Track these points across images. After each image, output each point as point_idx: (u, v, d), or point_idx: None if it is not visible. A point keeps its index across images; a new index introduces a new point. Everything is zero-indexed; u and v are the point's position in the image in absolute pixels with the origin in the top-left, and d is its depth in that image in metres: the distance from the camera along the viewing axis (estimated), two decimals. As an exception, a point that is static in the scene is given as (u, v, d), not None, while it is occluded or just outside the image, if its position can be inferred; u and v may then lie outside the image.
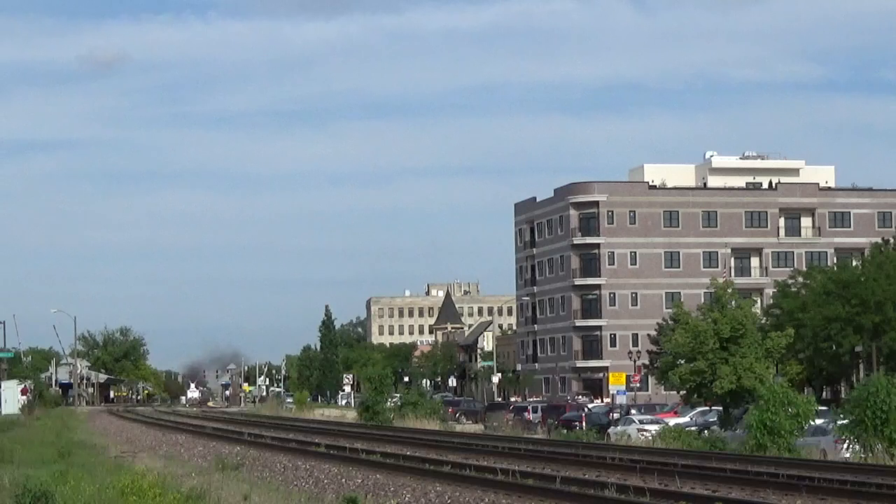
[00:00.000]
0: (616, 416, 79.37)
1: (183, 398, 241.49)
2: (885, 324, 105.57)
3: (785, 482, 33.52)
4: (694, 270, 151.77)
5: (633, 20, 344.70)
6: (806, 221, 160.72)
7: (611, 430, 71.81)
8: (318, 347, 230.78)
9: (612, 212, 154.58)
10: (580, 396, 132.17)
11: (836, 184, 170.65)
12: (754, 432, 51.89)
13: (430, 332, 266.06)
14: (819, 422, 54.48)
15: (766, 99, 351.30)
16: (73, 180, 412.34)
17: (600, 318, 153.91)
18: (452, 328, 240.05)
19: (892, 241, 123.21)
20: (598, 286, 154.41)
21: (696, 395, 66.29)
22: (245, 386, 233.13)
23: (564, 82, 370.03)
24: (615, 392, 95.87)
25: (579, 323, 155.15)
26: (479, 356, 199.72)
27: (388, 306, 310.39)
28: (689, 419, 75.19)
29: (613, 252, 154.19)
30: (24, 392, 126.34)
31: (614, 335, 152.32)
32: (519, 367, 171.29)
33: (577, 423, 78.07)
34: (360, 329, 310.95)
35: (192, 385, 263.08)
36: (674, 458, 42.92)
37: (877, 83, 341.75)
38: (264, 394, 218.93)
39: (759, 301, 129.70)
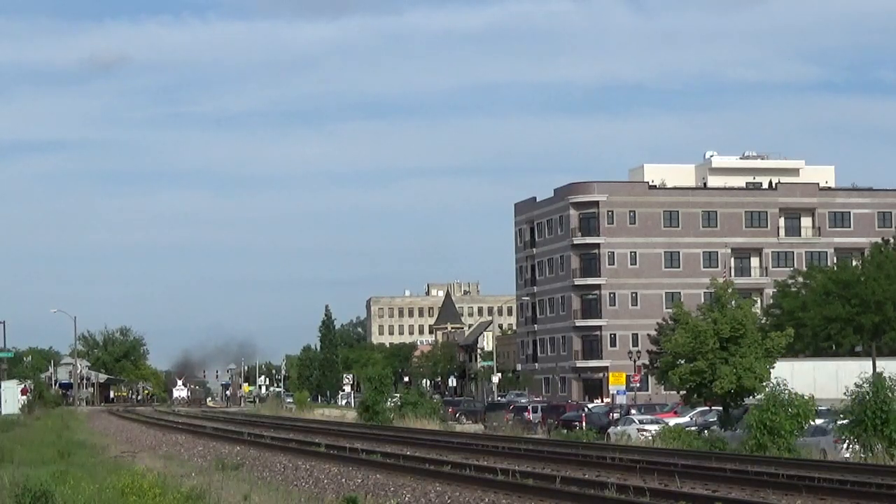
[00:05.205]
0: (616, 416, 79.37)
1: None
2: (885, 324, 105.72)
3: (785, 482, 33.52)
4: (694, 270, 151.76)
5: (631, 21, 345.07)
6: (806, 221, 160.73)
7: (611, 430, 71.81)
8: (318, 347, 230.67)
9: (612, 212, 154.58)
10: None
11: (836, 184, 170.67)
12: (754, 432, 51.90)
13: (430, 332, 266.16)
14: (819, 422, 54.48)
15: (766, 99, 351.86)
16: (73, 180, 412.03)
17: (600, 318, 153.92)
18: (452, 328, 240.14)
19: (892, 241, 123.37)
20: (598, 286, 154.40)
21: (696, 395, 66.18)
22: (245, 386, 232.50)
23: (564, 82, 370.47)
24: (615, 392, 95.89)
25: (579, 323, 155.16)
26: (479, 356, 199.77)
27: (388, 306, 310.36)
28: (689, 419, 75.10)
29: (613, 252, 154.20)
30: (24, 392, 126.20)
31: (614, 335, 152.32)
32: (519, 367, 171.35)
33: (577, 423, 78.11)
34: (360, 329, 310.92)
35: (180, 382, 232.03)
36: (674, 458, 42.92)
37: (876, 83, 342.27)
38: (264, 393, 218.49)
39: (759, 301, 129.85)
